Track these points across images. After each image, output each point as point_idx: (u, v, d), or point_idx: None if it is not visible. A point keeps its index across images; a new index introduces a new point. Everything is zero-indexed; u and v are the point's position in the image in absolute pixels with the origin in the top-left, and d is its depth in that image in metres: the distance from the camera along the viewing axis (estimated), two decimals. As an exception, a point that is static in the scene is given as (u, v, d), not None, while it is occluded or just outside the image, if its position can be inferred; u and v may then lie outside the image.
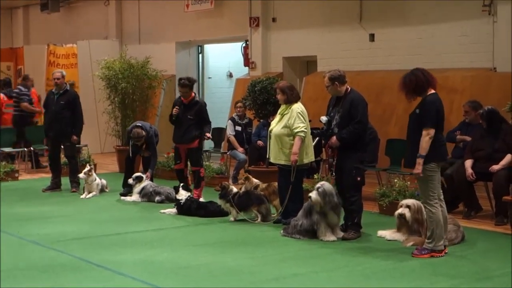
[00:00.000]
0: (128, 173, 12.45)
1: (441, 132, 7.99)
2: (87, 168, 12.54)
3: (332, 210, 8.77)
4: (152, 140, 12.62)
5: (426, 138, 7.77)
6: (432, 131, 7.77)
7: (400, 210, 8.83)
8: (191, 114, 11.39)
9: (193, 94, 11.51)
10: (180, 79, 11.54)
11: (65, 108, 12.76)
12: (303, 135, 9.53)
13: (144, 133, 12.43)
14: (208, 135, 11.50)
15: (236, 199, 10.12)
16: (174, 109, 11.55)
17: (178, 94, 19.75)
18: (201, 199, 10.97)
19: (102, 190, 12.70)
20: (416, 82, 7.91)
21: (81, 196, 12.36)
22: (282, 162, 9.67)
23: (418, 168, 7.79)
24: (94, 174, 12.50)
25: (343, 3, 15.65)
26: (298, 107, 9.69)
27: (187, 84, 11.43)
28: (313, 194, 8.75)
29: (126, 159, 12.83)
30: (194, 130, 11.39)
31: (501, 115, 10.30)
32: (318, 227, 8.83)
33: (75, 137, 12.88)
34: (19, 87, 16.71)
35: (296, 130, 9.51)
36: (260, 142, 13.28)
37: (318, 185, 8.87)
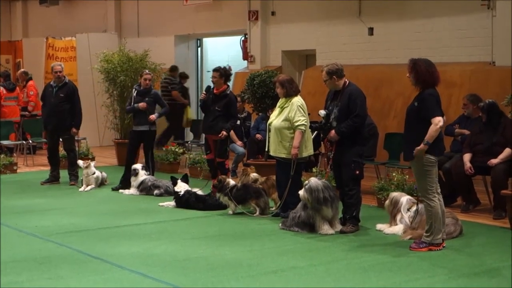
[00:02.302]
0: (129, 167, 12.38)
1: (439, 126, 7.99)
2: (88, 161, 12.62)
3: (324, 205, 8.76)
4: (160, 96, 13.15)
5: (436, 127, 7.71)
6: (440, 120, 7.74)
7: None
8: (219, 106, 11.18)
9: (225, 86, 11.29)
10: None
11: (64, 101, 12.75)
12: (304, 129, 9.52)
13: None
14: (224, 133, 11.06)
15: (234, 193, 10.12)
16: (202, 94, 11.52)
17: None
18: (200, 192, 10.96)
19: (102, 183, 12.71)
20: (427, 75, 7.84)
21: (80, 189, 12.37)
22: (282, 155, 9.66)
23: (420, 150, 7.75)
24: (92, 167, 12.49)
25: (342, -3, 15.67)
26: (298, 100, 9.68)
27: (217, 69, 11.30)
28: (301, 191, 8.85)
29: (128, 153, 12.77)
30: (221, 122, 11.14)
31: (500, 109, 10.30)
32: (314, 221, 8.86)
33: (74, 130, 12.88)
34: (169, 77, 17.54)
35: (296, 124, 9.50)
36: (258, 136, 13.30)
37: (306, 181, 8.91)
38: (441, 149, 8.05)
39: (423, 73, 7.87)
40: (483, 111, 10.27)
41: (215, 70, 11.35)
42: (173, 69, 17.99)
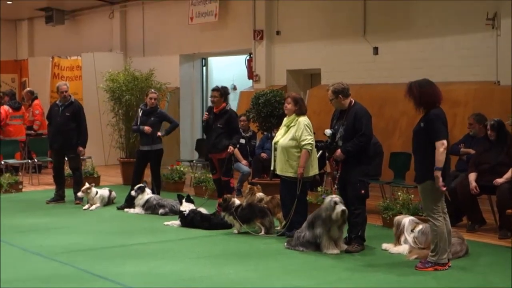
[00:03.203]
0: (135, 186, 12.36)
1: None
2: (86, 186, 12.53)
3: (336, 223, 8.77)
4: (166, 113, 13.24)
5: (441, 150, 7.71)
6: (445, 142, 7.73)
7: None
8: (220, 123, 11.26)
9: (224, 104, 11.38)
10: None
11: (70, 120, 12.78)
12: (310, 148, 9.54)
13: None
14: (232, 148, 11.19)
15: (239, 212, 10.11)
16: (204, 115, 11.57)
17: (182, 107, 19.95)
18: (205, 211, 10.94)
19: (109, 202, 12.69)
20: (424, 96, 7.84)
21: (84, 208, 12.36)
22: (289, 174, 9.66)
23: (439, 182, 7.74)
24: (93, 190, 12.47)
25: (347, 16, 15.71)
26: (304, 119, 9.71)
27: (217, 88, 11.41)
28: (343, 206, 8.72)
29: (134, 172, 12.78)
30: (224, 140, 11.21)
31: (506, 128, 10.29)
32: (321, 240, 8.83)
33: (80, 149, 12.91)
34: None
35: (303, 143, 9.52)
36: (264, 155, 13.30)
37: (336, 199, 8.80)
38: (447, 169, 8.03)
39: (419, 96, 7.86)
40: (492, 129, 10.21)
41: (214, 89, 11.45)
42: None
